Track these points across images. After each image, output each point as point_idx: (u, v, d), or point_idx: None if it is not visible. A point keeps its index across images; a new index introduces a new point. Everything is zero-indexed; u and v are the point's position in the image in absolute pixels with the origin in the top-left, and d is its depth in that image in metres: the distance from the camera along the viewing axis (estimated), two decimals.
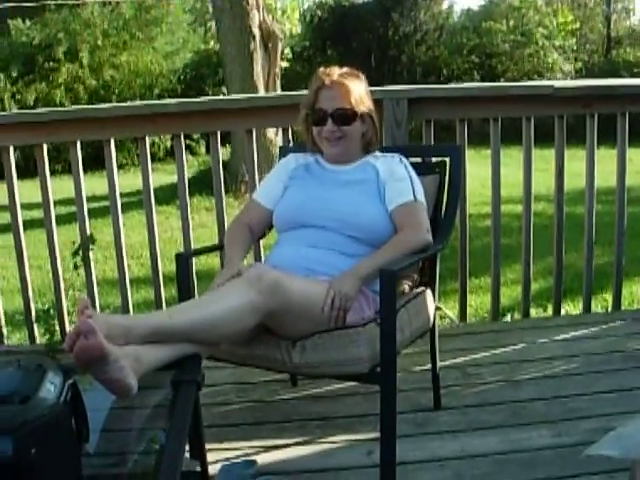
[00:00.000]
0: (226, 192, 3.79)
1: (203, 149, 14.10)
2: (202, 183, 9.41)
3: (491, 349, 3.46)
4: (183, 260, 2.61)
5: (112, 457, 1.82)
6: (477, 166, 5.45)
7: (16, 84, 15.28)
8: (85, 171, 3.75)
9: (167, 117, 3.62)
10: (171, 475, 1.48)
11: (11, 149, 3.66)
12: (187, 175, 3.69)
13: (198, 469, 2.08)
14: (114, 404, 2.01)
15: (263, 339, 2.30)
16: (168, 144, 13.95)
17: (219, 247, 2.97)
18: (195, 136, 14.09)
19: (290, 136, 3.62)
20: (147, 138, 3.63)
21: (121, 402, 2.02)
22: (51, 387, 1.52)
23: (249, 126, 3.62)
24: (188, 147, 12.79)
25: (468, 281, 3.83)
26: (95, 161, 8.01)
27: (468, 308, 3.95)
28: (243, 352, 2.34)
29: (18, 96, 15.08)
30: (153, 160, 3.96)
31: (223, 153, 3.75)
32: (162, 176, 10.38)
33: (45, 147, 3.66)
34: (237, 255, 2.57)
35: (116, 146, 3.68)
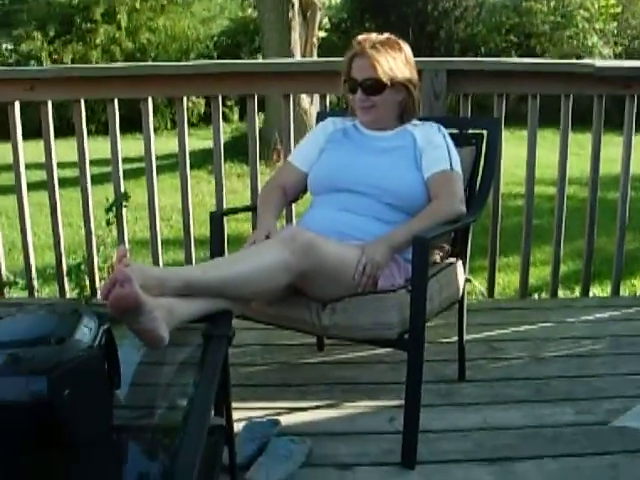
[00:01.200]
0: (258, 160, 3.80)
1: (236, 116, 14.08)
2: (234, 150, 9.41)
3: (518, 325, 3.46)
4: (217, 218, 2.64)
5: (140, 409, 1.83)
6: (511, 147, 5.41)
7: (53, 44, 15.30)
8: None
9: (205, 78, 3.62)
10: (199, 427, 1.49)
11: (49, 104, 3.68)
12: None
13: (223, 423, 2.09)
14: (144, 357, 2.03)
15: (293, 300, 2.31)
16: (202, 110, 13.95)
17: (252, 208, 2.98)
18: (229, 102, 14.08)
19: (327, 103, 3.61)
20: (185, 98, 3.64)
21: (151, 355, 2.04)
22: (86, 331, 1.53)
23: (286, 91, 3.61)
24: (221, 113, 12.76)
25: (497, 259, 3.82)
26: (128, 123, 8.04)
27: (496, 286, 3.94)
28: (273, 312, 2.36)
29: (55, 56, 15.11)
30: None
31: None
32: (194, 141, 10.37)
33: (83, 103, 3.68)
34: (270, 216, 2.58)
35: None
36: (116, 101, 3.65)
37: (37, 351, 1.46)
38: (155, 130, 3.77)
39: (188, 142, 3.71)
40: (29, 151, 3.88)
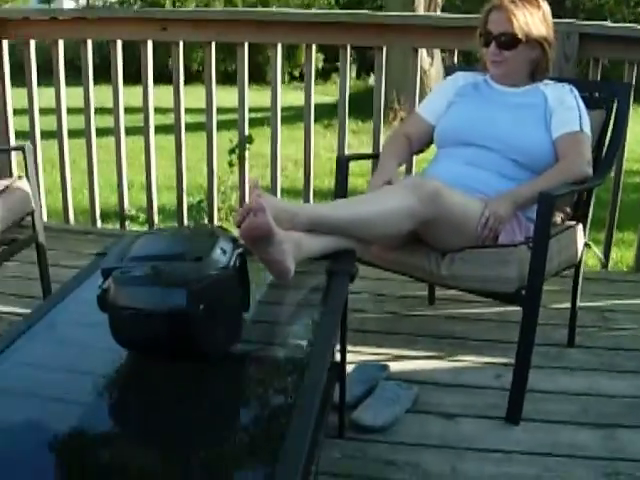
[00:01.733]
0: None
1: (354, 73, 14.08)
2: (350, 106, 9.41)
3: (631, 298, 3.41)
4: (343, 162, 2.69)
5: (261, 342, 1.86)
6: (633, 123, 5.27)
7: None
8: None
9: (336, 26, 3.65)
10: (322, 358, 1.54)
11: (181, 45, 3.77)
12: (336, 98, 3.72)
13: (338, 361, 2.15)
14: (265, 295, 2.08)
15: (414, 247, 2.34)
16: (320, 65, 13.98)
17: (375, 156, 3.01)
18: None
19: (455, 60, 3.60)
20: (313, 47, 3.67)
21: (271, 293, 2.10)
22: (221, 252, 1.59)
23: (415, 44, 3.61)
24: (337, 70, 12.78)
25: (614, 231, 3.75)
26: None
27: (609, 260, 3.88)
28: (392, 257, 2.39)
29: (178, 3, 15.32)
30: (303, 80, 4.05)
31: (373, 79, 3.76)
32: None
33: (213, 46, 3.75)
34: (392, 162, 2.60)
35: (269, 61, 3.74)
36: (246, 45, 3.71)
37: (176, 266, 1.54)
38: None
39: (304, 97, 3.75)
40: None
